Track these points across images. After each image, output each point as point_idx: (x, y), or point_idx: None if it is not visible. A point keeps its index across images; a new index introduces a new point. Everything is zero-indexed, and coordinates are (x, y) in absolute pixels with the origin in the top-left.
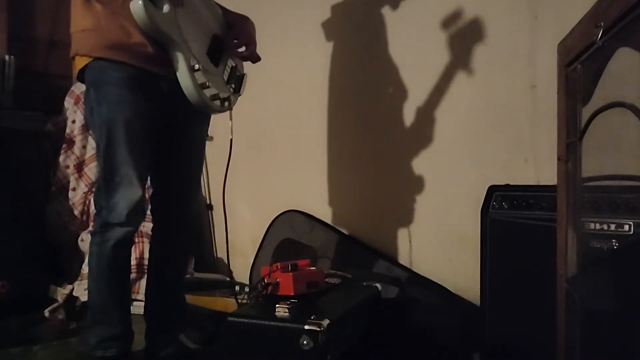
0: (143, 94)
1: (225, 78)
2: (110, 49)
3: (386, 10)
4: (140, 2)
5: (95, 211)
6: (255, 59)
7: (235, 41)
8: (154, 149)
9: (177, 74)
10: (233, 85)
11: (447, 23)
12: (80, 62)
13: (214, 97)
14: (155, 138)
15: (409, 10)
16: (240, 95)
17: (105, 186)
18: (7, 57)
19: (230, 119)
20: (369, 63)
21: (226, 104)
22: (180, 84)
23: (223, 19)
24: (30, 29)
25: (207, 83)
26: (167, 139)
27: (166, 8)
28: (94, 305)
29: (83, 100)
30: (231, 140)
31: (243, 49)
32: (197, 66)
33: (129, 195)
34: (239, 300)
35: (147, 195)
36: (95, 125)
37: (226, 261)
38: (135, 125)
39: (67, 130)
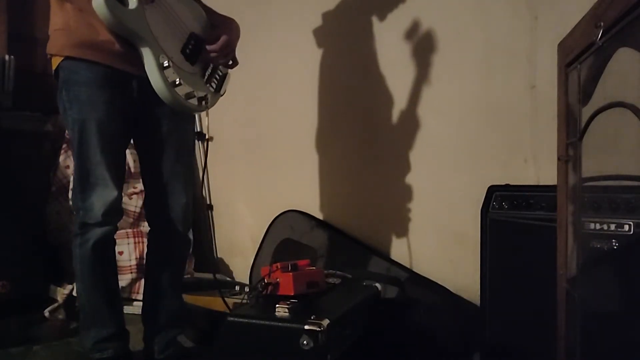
0: (114, 94)
1: (205, 77)
2: (79, 47)
3: (384, 11)
4: None
5: (73, 213)
6: (232, 64)
7: (211, 44)
8: (139, 150)
9: (147, 71)
10: (213, 85)
11: (447, 23)
12: (54, 62)
13: (189, 95)
14: (130, 138)
15: (408, 10)
16: (221, 95)
17: (80, 187)
18: (7, 57)
19: (207, 116)
20: (369, 63)
21: (204, 103)
22: (150, 81)
23: (206, 19)
24: (30, 29)
25: (179, 81)
26: (147, 140)
27: (133, 4)
28: (84, 307)
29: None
30: (208, 140)
31: (217, 53)
32: (166, 63)
33: (104, 195)
34: (225, 298)
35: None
36: (68, 125)
37: (222, 261)
38: (107, 125)
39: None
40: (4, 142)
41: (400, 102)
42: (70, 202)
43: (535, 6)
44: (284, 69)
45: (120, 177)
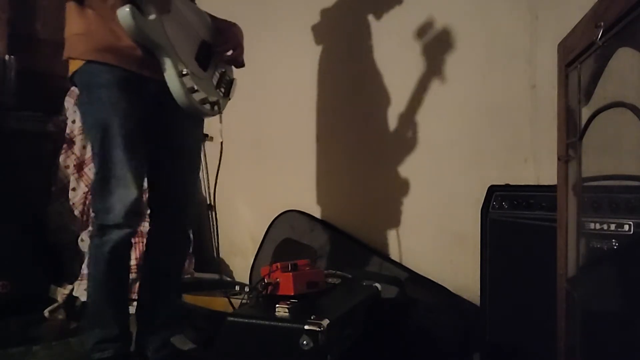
0: (134, 97)
1: (215, 82)
2: (101, 52)
3: (384, 12)
4: (127, 9)
5: (92, 214)
6: (239, 64)
7: (223, 45)
8: (149, 152)
9: (166, 78)
10: (222, 90)
11: (447, 23)
12: (73, 66)
13: (203, 101)
14: (147, 140)
15: (408, 10)
16: (229, 99)
17: (100, 188)
18: (8, 57)
19: (220, 122)
20: (370, 64)
21: (215, 107)
22: (170, 88)
23: (212, 25)
24: (32, 29)
25: (196, 87)
26: (160, 142)
27: (152, 15)
28: (93, 308)
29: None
30: (221, 143)
31: (230, 52)
32: (185, 71)
33: (125, 196)
34: (231, 298)
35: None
36: (89, 127)
37: (222, 261)
38: (127, 127)
39: (67, 130)
40: (5, 142)
41: (400, 102)
42: (72, 205)
43: (535, 6)
44: (284, 69)
45: (140, 177)
